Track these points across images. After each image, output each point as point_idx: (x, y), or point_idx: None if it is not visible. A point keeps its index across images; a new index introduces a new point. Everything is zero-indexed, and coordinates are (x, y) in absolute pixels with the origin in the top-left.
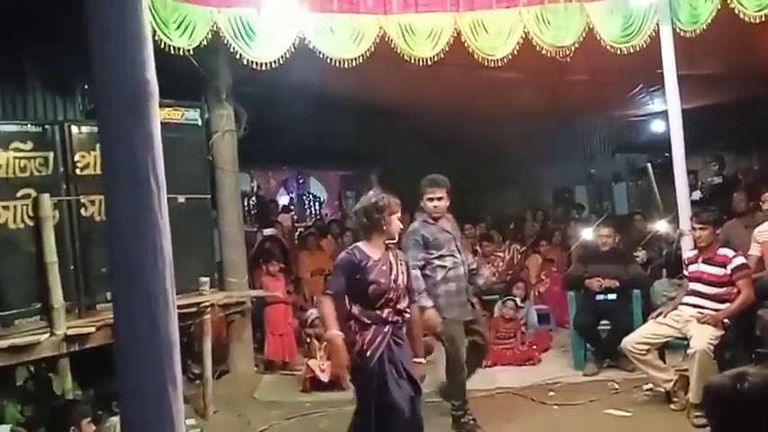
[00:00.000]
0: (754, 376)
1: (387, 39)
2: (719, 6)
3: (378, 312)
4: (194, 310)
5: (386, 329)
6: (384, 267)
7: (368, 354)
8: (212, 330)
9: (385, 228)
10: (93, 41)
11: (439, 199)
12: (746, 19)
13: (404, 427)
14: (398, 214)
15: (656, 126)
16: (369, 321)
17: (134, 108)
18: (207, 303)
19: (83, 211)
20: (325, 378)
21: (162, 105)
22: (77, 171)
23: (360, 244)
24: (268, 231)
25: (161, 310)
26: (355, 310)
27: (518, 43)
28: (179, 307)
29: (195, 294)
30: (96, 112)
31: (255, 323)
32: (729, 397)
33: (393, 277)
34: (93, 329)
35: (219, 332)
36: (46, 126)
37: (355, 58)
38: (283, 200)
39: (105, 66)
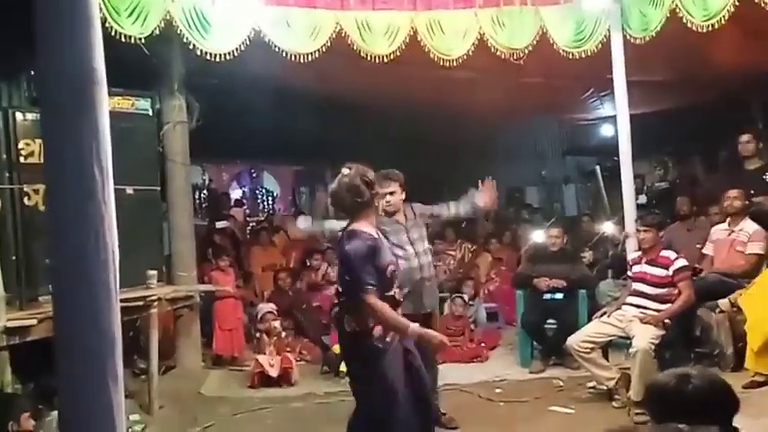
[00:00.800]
0: (697, 378)
1: (343, 34)
2: (668, 15)
3: (392, 294)
4: (141, 303)
5: (399, 312)
6: (387, 246)
7: (387, 339)
8: (159, 324)
9: (376, 204)
10: (39, 28)
11: (392, 194)
12: (694, 28)
13: (423, 416)
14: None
15: (606, 130)
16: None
17: (79, 96)
18: (154, 297)
19: (26, 200)
20: (273, 373)
21: (112, 94)
22: (21, 159)
23: (356, 226)
24: (221, 224)
25: (103, 303)
26: None
27: (473, 44)
28: (125, 300)
29: (142, 288)
30: (40, 99)
31: (204, 318)
32: (672, 397)
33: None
34: (34, 322)
35: (167, 326)
36: None
37: (311, 53)
38: (236, 194)
39: (51, 53)
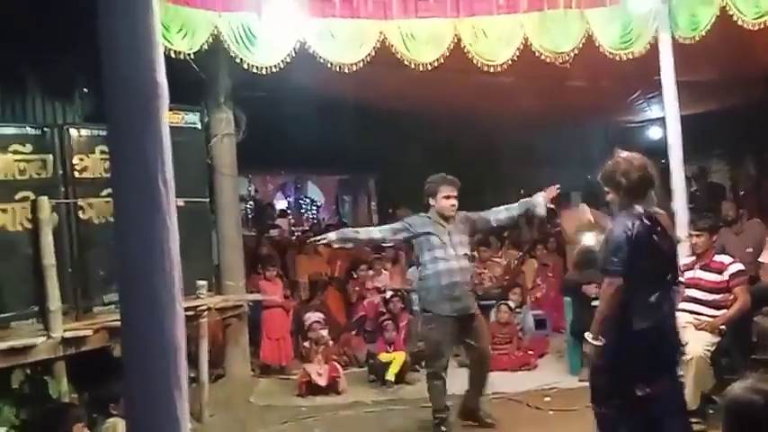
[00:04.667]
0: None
1: (387, 44)
2: (718, 13)
3: None
4: (191, 313)
5: None
6: None
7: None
8: (209, 334)
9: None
10: (104, 43)
11: (455, 197)
12: (745, 26)
13: None
14: None
15: (654, 132)
16: None
17: (144, 110)
18: (204, 306)
19: (81, 213)
20: (322, 382)
21: None
22: (76, 174)
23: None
24: (273, 233)
25: (168, 313)
26: None
27: (518, 49)
28: None
29: (192, 298)
30: (106, 114)
31: (252, 327)
32: (760, 415)
33: None
34: (89, 332)
35: (216, 335)
36: (45, 129)
37: (356, 63)
38: (281, 204)
39: (116, 67)
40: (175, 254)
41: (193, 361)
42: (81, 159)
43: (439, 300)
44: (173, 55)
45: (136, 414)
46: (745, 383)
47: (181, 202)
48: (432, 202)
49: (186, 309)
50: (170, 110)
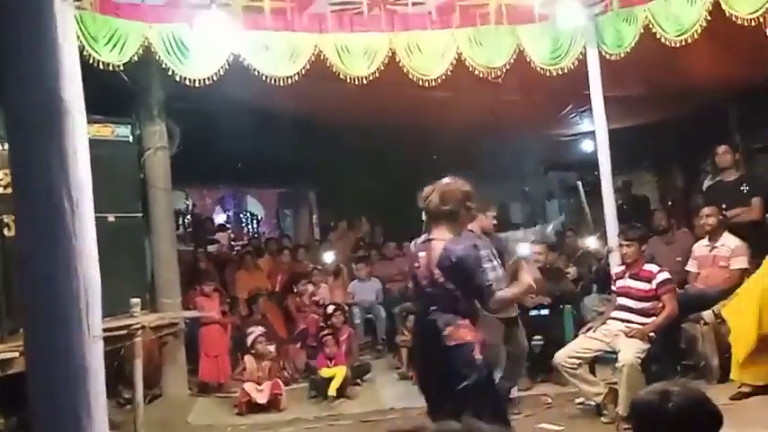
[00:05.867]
0: (678, 395)
1: (322, 57)
2: (642, 31)
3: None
4: (125, 332)
5: None
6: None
7: None
8: (144, 353)
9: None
10: (4, 58)
11: (495, 216)
12: (668, 44)
13: None
14: None
15: (586, 145)
16: None
17: (46, 127)
18: (138, 325)
19: (5, 230)
20: (262, 400)
21: (91, 122)
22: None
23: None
24: (211, 248)
25: (75, 336)
26: None
27: (451, 64)
28: (108, 329)
29: (126, 316)
30: (8, 130)
31: (189, 344)
32: (654, 415)
33: None
34: (16, 354)
35: (152, 355)
36: None
37: (291, 76)
38: (220, 218)
39: (17, 83)
40: (83, 274)
41: (128, 382)
42: (6, 174)
43: None
44: (101, 66)
45: None
46: (654, 386)
47: (112, 218)
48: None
49: (119, 328)
50: (100, 123)
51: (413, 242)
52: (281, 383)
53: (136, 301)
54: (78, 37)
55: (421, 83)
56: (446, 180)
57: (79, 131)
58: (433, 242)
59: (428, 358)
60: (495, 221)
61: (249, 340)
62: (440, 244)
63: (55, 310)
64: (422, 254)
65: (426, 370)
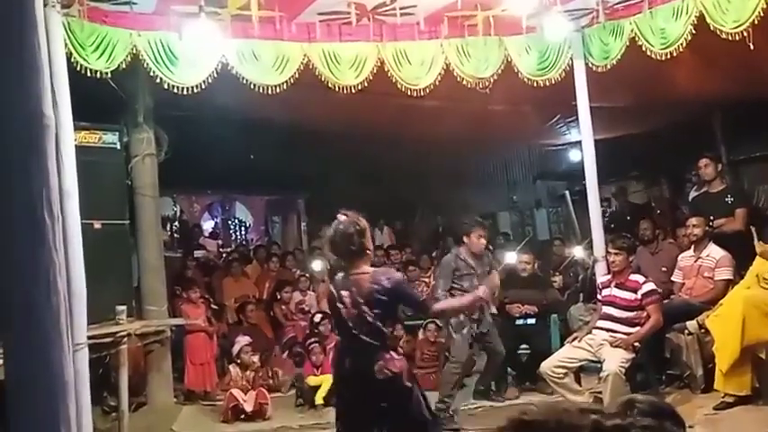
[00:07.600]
0: (643, 403)
1: (311, 66)
2: (628, 44)
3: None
4: (110, 339)
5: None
6: None
7: None
8: (129, 360)
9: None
10: None
11: (484, 237)
12: (653, 56)
13: None
14: None
15: (574, 155)
16: None
17: (26, 142)
18: (123, 333)
19: None
20: (248, 408)
21: (78, 128)
22: None
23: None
24: (198, 254)
25: (54, 348)
26: None
27: (440, 74)
28: (93, 337)
29: (111, 323)
30: None
31: (175, 352)
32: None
33: None
34: None
35: (137, 362)
36: None
37: (279, 85)
38: (208, 225)
39: None
40: (63, 287)
41: (114, 389)
42: None
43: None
44: (89, 73)
45: None
46: (624, 399)
47: (98, 224)
48: (466, 240)
49: (105, 335)
50: (87, 130)
51: (329, 282)
52: (266, 393)
53: (122, 308)
54: (66, 44)
55: (409, 92)
56: (341, 218)
57: (66, 139)
58: (356, 277)
59: (358, 390)
60: (483, 241)
61: (235, 350)
62: (365, 277)
63: (34, 324)
64: (345, 292)
65: (356, 400)
